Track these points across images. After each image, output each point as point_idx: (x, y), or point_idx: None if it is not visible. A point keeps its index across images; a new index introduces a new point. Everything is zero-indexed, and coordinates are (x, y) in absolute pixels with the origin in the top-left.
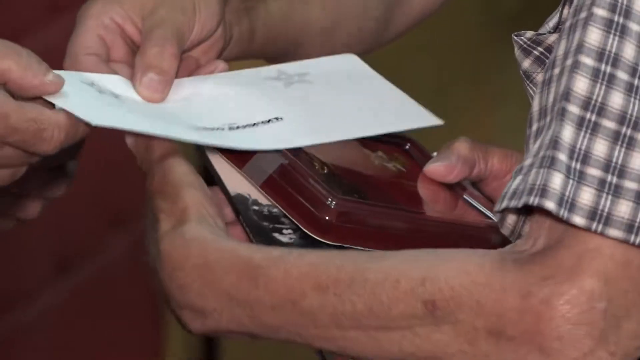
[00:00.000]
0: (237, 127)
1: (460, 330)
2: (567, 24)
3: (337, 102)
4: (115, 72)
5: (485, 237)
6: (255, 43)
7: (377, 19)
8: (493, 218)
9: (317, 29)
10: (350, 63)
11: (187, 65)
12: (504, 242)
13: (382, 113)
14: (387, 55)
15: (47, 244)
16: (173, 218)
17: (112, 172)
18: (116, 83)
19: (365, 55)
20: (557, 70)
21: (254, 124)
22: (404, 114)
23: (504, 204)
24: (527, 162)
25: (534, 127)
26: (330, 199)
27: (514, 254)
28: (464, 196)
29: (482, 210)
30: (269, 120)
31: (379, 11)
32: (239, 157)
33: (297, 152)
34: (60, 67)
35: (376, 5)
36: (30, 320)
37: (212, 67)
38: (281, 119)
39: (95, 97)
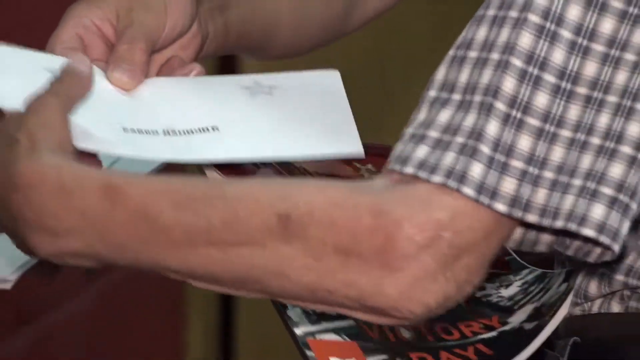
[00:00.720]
0: (173, 132)
1: (308, 246)
2: (491, 12)
3: (282, 119)
4: None
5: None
6: (230, 38)
7: (338, 15)
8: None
9: (287, 22)
10: (328, 80)
11: (170, 64)
12: None
13: (317, 136)
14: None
15: None
16: (29, 144)
17: None
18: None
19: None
20: (473, 54)
21: (191, 131)
22: (336, 139)
23: (409, 170)
24: (433, 134)
25: (432, 93)
26: None
27: (375, 183)
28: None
29: (356, 164)
30: (206, 129)
31: (340, 7)
32: (233, 173)
33: (290, 167)
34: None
35: (337, 2)
36: (58, 323)
37: (188, 69)
38: (217, 129)
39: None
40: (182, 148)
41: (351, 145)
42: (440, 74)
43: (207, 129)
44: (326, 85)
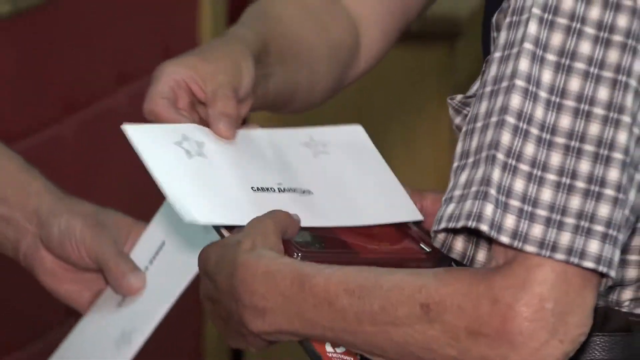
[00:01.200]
0: (284, 190)
1: (446, 328)
2: (488, 89)
3: (349, 186)
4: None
5: (419, 264)
6: (267, 99)
7: (339, 77)
8: (427, 249)
9: (303, 87)
10: (357, 135)
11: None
12: (436, 266)
13: (381, 205)
14: None
15: None
16: (250, 245)
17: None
18: (202, 134)
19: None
20: (479, 124)
21: (294, 190)
22: (396, 206)
23: (442, 225)
24: (457, 193)
25: (455, 164)
26: (297, 253)
27: (484, 270)
28: (410, 233)
29: (421, 245)
30: (304, 192)
31: (340, 71)
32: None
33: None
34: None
35: (331, 72)
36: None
37: (248, 125)
38: (311, 192)
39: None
40: (307, 210)
41: (411, 211)
42: (458, 147)
43: (305, 192)
44: (360, 141)
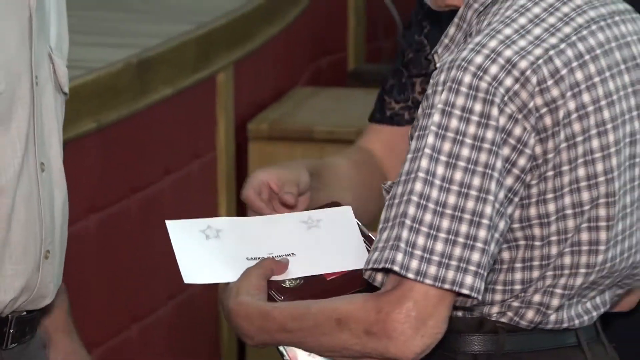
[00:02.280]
0: (273, 256)
1: (352, 332)
2: (403, 178)
3: (329, 247)
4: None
5: (355, 290)
6: (312, 205)
7: (356, 196)
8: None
9: (349, 202)
10: (346, 214)
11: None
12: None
13: (349, 256)
14: None
15: (160, 283)
16: (235, 291)
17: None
18: (224, 223)
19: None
20: (396, 201)
21: (282, 255)
22: (353, 259)
23: (369, 266)
24: (380, 245)
25: (380, 226)
26: (281, 298)
27: (377, 293)
28: (359, 273)
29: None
30: (289, 254)
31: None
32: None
33: (328, 285)
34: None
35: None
36: (135, 334)
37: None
38: (295, 254)
39: (201, 245)
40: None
41: (362, 261)
42: (383, 215)
43: (292, 254)
44: (346, 218)
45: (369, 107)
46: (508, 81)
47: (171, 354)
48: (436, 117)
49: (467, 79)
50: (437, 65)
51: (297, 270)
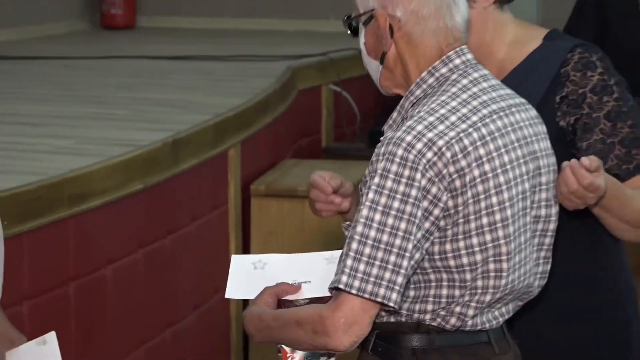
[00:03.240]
0: (294, 283)
1: (306, 330)
2: (354, 224)
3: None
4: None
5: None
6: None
7: None
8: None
9: None
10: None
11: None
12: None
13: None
14: None
15: (188, 297)
16: (252, 301)
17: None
18: (272, 258)
19: None
20: (348, 240)
21: (301, 282)
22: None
23: (331, 286)
24: (338, 271)
25: (343, 252)
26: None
27: (327, 304)
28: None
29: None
30: (306, 281)
31: None
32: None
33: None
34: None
35: None
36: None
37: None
38: (310, 282)
39: (249, 274)
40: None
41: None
42: (343, 250)
43: (308, 282)
44: None
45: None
46: (429, 154)
47: (195, 351)
48: (376, 179)
49: (399, 152)
50: (381, 139)
51: (308, 293)
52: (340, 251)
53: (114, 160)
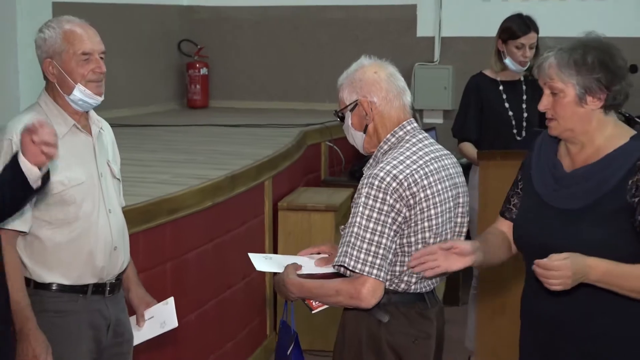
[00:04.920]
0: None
1: (344, 297)
2: (349, 224)
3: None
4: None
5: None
6: (480, 259)
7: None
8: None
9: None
10: None
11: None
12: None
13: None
14: None
15: (238, 271)
16: (286, 272)
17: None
18: (281, 257)
19: None
20: (346, 238)
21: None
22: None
23: (335, 263)
24: (345, 253)
25: (344, 242)
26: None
27: (350, 278)
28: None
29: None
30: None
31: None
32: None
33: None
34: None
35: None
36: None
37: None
38: (305, 265)
39: (265, 259)
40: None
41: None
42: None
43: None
44: None
45: (331, 196)
46: (393, 184)
47: (244, 305)
48: (362, 199)
49: (375, 182)
50: (364, 174)
51: (306, 270)
52: (307, 259)
53: (194, 188)
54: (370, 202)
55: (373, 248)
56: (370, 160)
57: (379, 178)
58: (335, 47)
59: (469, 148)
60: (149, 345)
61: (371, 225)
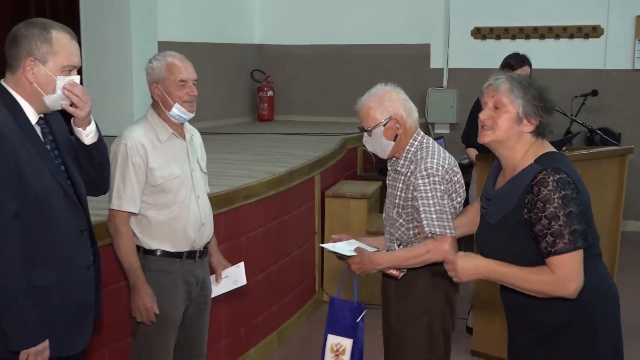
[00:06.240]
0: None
1: (432, 256)
2: (420, 201)
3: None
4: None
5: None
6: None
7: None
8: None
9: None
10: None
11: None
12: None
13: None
14: None
15: (294, 243)
16: (368, 256)
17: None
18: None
19: None
20: (421, 208)
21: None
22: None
23: (432, 231)
24: (424, 224)
25: (421, 218)
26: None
27: (430, 240)
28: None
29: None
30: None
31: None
32: None
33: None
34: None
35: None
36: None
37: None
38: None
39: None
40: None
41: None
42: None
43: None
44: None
45: (364, 187)
46: (442, 171)
47: (299, 269)
48: (422, 187)
49: (432, 172)
50: (408, 171)
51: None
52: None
53: (263, 180)
54: (434, 185)
55: (444, 216)
56: (402, 161)
57: (433, 169)
58: (369, 75)
59: (472, 152)
60: (227, 297)
61: (438, 200)
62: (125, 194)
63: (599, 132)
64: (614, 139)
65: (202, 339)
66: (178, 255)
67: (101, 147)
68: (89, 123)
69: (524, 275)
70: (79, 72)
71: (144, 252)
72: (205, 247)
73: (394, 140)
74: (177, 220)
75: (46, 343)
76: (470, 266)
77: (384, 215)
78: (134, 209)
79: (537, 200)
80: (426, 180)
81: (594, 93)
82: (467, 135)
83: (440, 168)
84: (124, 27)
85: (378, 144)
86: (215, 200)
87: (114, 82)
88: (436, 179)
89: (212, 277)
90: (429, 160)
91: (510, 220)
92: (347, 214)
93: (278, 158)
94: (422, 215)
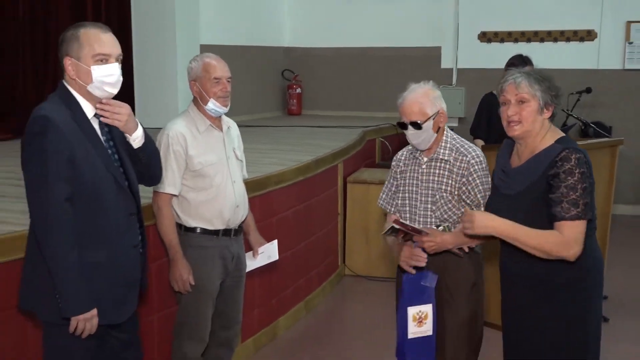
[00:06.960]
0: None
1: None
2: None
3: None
4: None
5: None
6: None
7: None
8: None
9: None
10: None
11: None
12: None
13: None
14: None
15: (316, 227)
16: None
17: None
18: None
19: None
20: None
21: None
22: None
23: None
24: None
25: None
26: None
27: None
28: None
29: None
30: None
31: None
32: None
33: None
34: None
35: None
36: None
37: None
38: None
39: None
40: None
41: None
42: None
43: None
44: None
45: (383, 174)
46: (482, 156)
47: (325, 247)
48: (479, 172)
49: (481, 159)
50: (446, 159)
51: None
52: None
53: (292, 167)
54: (484, 172)
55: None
56: (442, 150)
57: (480, 156)
58: (386, 74)
59: (479, 143)
60: (260, 272)
61: (488, 178)
62: (167, 178)
63: (593, 125)
64: (606, 132)
65: (237, 308)
66: (215, 232)
67: (148, 149)
68: (135, 129)
69: (534, 233)
70: (126, 64)
71: (185, 230)
72: (240, 226)
73: (437, 132)
74: (214, 201)
75: (94, 311)
76: (487, 220)
77: (406, 198)
78: (174, 190)
79: (560, 172)
80: (480, 167)
81: (588, 90)
82: (474, 128)
83: (483, 155)
84: (170, 32)
85: (426, 137)
86: (250, 186)
87: (161, 81)
88: (483, 166)
89: (248, 254)
90: (472, 148)
91: (534, 189)
92: (366, 198)
93: (305, 148)
94: (480, 196)
